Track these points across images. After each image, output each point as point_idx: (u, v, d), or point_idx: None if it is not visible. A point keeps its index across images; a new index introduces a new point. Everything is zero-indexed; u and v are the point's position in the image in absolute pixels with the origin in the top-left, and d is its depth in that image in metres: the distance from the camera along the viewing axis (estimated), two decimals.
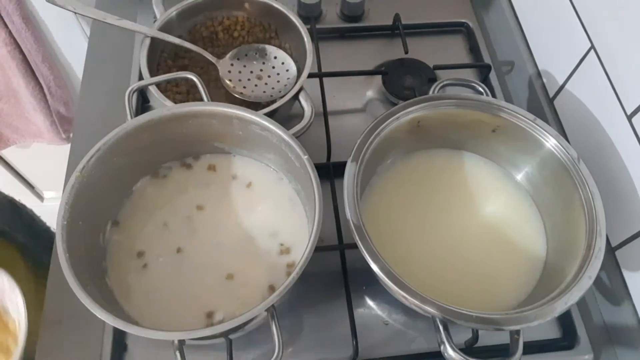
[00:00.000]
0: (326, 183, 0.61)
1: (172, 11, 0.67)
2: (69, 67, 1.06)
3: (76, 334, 0.55)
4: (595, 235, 0.50)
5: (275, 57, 0.67)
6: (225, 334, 0.49)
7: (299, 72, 0.65)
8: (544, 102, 0.70)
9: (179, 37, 0.66)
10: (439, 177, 0.63)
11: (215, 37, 0.71)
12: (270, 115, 0.56)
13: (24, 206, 0.86)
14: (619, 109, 0.55)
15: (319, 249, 0.49)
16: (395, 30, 0.79)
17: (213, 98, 0.58)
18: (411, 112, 0.57)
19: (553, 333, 0.57)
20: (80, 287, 0.44)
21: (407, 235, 0.58)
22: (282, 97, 0.61)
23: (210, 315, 0.52)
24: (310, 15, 0.79)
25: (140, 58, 0.62)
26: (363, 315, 0.57)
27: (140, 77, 0.67)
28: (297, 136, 0.55)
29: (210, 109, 0.55)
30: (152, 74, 0.62)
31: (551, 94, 0.70)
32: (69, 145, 0.68)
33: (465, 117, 0.59)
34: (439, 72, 0.74)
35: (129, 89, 0.57)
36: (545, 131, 0.57)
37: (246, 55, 0.67)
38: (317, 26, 0.78)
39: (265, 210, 0.59)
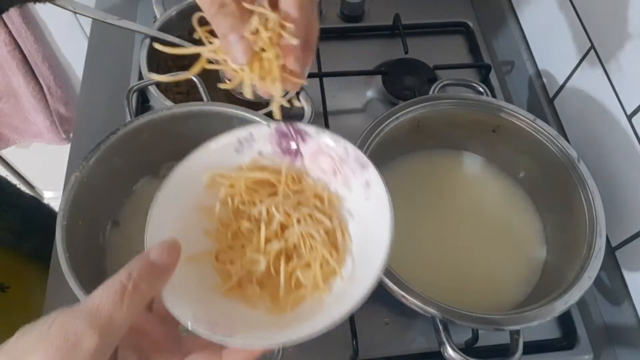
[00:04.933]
0: None
1: (172, 11, 0.67)
2: (69, 67, 1.06)
3: None
4: (595, 235, 0.50)
5: None
6: None
7: None
8: (544, 102, 0.70)
9: (179, 37, 0.66)
10: (438, 177, 0.63)
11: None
12: (270, 115, 0.56)
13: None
14: (619, 109, 0.55)
15: None
16: (395, 30, 0.79)
17: (213, 98, 0.58)
18: (411, 112, 0.57)
19: (553, 333, 0.57)
20: (80, 287, 0.44)
21: (407, 235, 0.58)
22: (282, 97, 0.61)
23: None
24: None
25: (140, 58, 0.62)
26: (363, 315, 0.57)
27: (140, 77, 0.67)
28: None
29: (210, 109, 0.55)
30: None
31: (551, 94, 0.70)
32: (69, 145, 0.68)
33: (465, 117, 0.59)
34: (439, 72, 0.74)
35: (129, 88, 0.57)
36: (545, 131, 0.57)
37: None
38: None
39: None
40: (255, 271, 0.37)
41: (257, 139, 0.40)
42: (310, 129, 0.40)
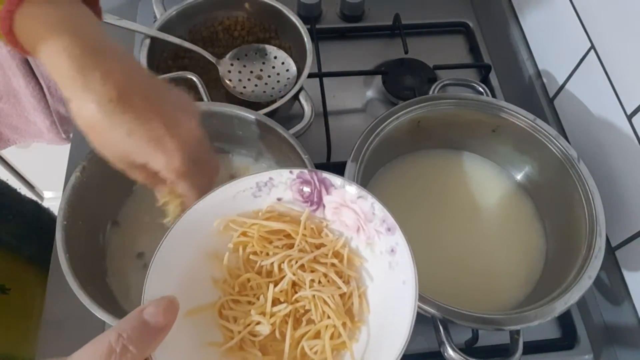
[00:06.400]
0: None
1: (172, 11, 0.67)
2: None
3: (76, 334, 0.55)
4: (595, 235, 0.50)
5: (275, 57, 0.67)
6: None
7: (299, 72, 0.65)
8: (544, 102, 0.70)
9: (179, 37, 0.66)
10: (439, 177, 0.63)
11: (215, 37, 0.71)
12: (270, 115, 0.56)
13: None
14: (619, 109, 0.55)
15: None
16: (395, 30, 0.79)
17: (213, 98, 0.58)
18: (411, 112, 0.57)
19: (553, 333, 0.57)
20: (80, 287, 0.44)
21: (406, 235, 0.58)
22: (282, 97, 0.61)
23: None
24: (310, 15, 0.79)
25: (140, 58, 0.62)
26: None
27: None
28: (297, 136, 0.55)
29: (210, 109, 0.55)
30: None
31: (551, 94, 0.70)
32: (69, 145, 0.68)
33: (465, 117, 0.59)
34: (439, 72, 0.74)
35: None
36: (545, 131, 0.57)
37: (246, 55, 0.67)
38: (317, 26, 0.78)
39: None
40: (259, 333, 0.35)
41: (277, 185, 0.38)
42: (335, 180, 0.37)
